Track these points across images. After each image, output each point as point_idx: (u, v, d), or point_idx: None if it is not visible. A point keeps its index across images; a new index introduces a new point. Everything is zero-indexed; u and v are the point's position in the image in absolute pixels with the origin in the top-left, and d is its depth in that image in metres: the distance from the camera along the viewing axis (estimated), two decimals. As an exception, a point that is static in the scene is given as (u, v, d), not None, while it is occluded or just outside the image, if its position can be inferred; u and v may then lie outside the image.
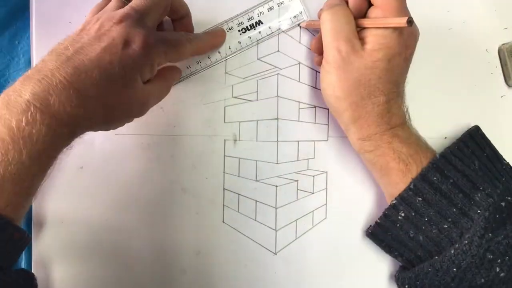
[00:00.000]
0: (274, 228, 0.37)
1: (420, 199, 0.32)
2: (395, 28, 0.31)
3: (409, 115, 0.34)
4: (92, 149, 0.36)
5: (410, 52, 0.33)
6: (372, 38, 0.32)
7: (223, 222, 0.37)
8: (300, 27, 0.38)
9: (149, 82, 0.32)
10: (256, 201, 0.37)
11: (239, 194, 0.37)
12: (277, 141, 0.38)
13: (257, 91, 0.38)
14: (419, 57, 0.37)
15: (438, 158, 0.32)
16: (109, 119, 0.31)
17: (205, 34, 0.37)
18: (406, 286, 0.35)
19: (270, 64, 0.38)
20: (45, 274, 0.35)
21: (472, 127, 0.37)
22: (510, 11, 0.37)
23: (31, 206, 0.35)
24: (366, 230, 0.37)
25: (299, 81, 0.38)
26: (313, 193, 0.38)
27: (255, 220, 0.37)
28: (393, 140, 0.33)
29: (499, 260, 0.30)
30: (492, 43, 0.37)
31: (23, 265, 0.36)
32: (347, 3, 0.34)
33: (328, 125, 0.38)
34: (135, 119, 0.36)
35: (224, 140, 0.37)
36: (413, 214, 0.33)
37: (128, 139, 0.37)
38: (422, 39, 0.37)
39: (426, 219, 0.32)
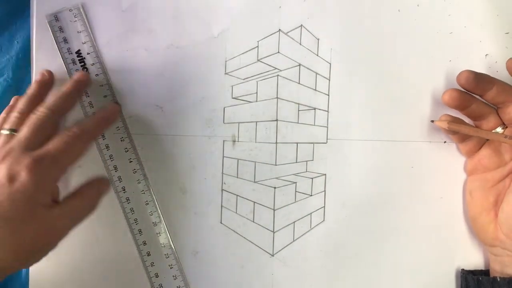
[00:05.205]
0: (272, 230, 0.37)
1: None
2: None
3: None
4: (90, 148, 0.36)
5: None
6: None
7: (220, 223, 0.37)
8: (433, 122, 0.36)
9: (60, 203, 0.30)
10: (254, 202, 0.38)
11: (237, 195, 0.37)
12: (276, 142, 0.38)
13: (256, 92, 0.38)
14: (420, 61, 0.37)
15: None
16: (22, 257, 0.28)
17: (94, 116, 0.34)
18: None
19: (270, 66, 0.38)
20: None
21: None
22: (512, 16, 0.37)
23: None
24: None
25: (299, 83, 0.38)
26: (311, 195, 0.38)
27: (253, 221, 0.37)
28: None
29: None
30: (493, 48, 0.37)
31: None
32: None
33: (327, 127, 0.38)
34: (134, 119, 0.37)
35: (223, 141, 0.37)
36: None
37: (127, 138, 0.37)
38: (423, 43, 0.37)
39: None
